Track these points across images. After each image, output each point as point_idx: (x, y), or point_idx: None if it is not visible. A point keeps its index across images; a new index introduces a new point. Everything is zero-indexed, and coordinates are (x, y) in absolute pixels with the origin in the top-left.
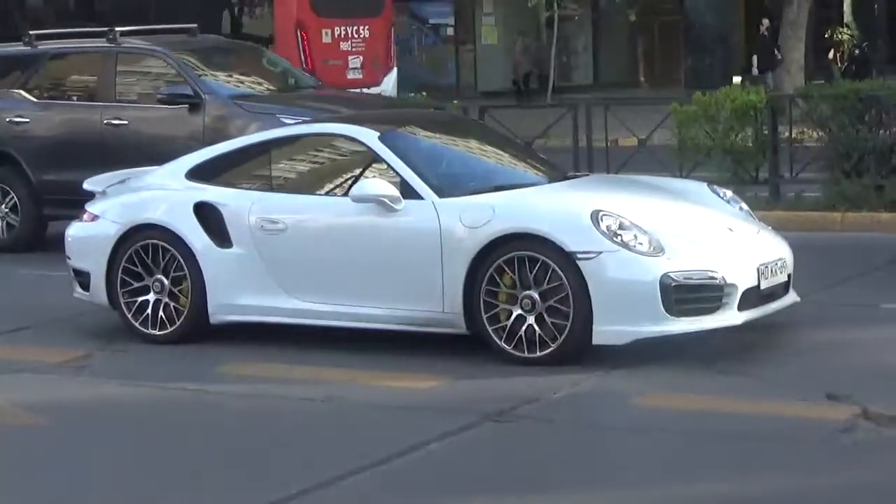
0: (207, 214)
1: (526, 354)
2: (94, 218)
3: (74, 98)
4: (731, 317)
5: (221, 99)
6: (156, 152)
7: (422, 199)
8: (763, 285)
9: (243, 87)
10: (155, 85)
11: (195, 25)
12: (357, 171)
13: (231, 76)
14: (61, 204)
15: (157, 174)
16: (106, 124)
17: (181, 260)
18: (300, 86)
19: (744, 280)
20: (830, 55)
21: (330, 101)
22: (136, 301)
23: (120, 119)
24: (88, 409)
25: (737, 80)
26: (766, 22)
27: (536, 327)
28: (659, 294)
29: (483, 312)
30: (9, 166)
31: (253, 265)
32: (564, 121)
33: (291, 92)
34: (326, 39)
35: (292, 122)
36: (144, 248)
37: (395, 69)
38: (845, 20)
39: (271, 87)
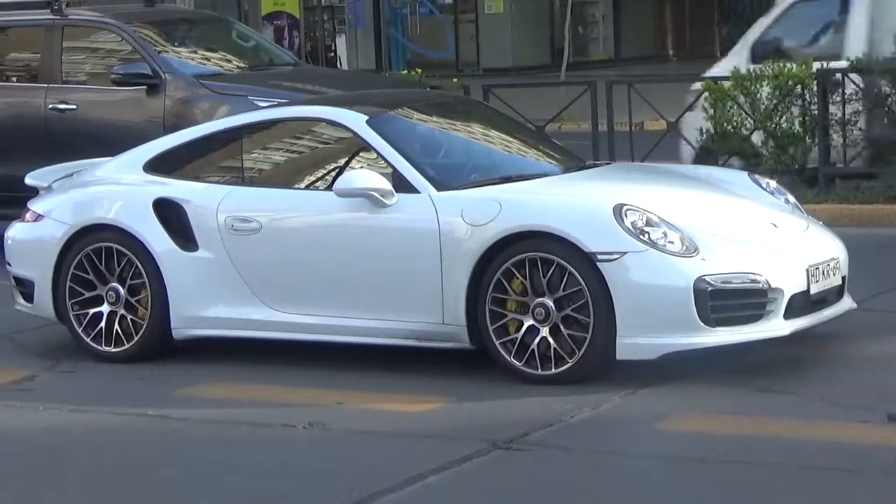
0: (169, 213)
1: (539, 372)
2: (38, 217)
3: (13, 79)
4: (776, 326)
5: (185, 79)
6: (109, 141)
7: (417, 192)
8: (813, 290)
9: (210, 64)
10: (107, 63)
11: None
12: (342, 161)
13: (195, 52)
14: (1, 202)
15: (111, 166)
16: (51, 109)
17: (139, 265)
18: (276, 63)
19: (791, 284)
20: None
21: (311, 80)
22: (87, 313)
23: (67, 103)
24: (33, 440)
25: None
26: None
27: (551, 340)
28: (693, 301)
29: (489, 323)
30: None
31: (222, 271)
32: (582, 101)
33: (266, 70)
34: None
35: (267, 104)
36: (97, 252)
37: None
38: None
39: (242, 65)
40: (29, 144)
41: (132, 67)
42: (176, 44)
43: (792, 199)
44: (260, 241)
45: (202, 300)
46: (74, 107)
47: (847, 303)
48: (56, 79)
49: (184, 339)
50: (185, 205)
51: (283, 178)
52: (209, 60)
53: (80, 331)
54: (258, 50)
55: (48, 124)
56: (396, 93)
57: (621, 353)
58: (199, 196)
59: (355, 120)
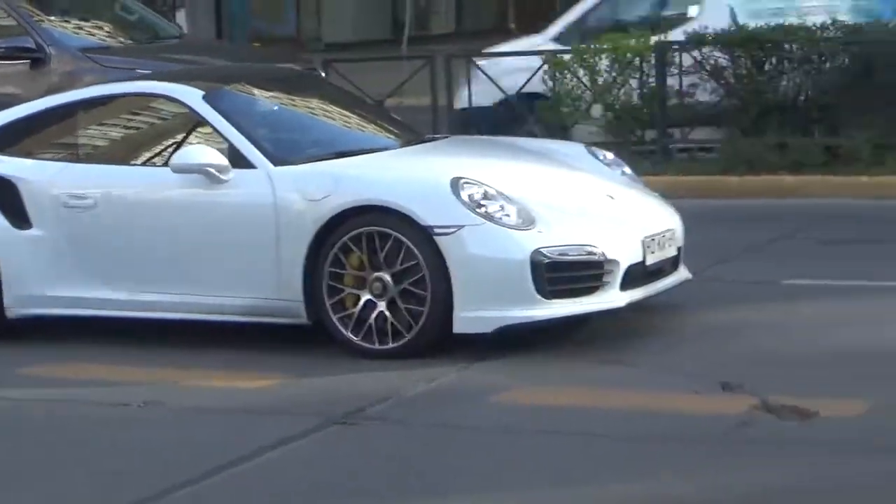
0: (2, 190)
1: (376, 346)
2: None
3: None
4: (612, 298)
5: (70, 52)
6: None
7: (254, 167)
8: (649, 261)
9: (95, 38)
10: None
11: None
12: (179, 137)
13: (80, 25)
14: None
15: None
16: None
17: None
18: (161, 36)
19: (627, 255)
20: None
21: (198, 52)
22: None
23: None
24: None
25: None
26: None
27: (388, 314)
28: (529, 273)
29: (327, 299)
30: None
31: (57, 249)
32: (422, 75)
33: (152, 43)
34: None
35: None
36: None
37: None
38: None
39: (128, 39)
40: None
41: (14, 41)
42: (60, 16)
43: (629, 170)
44: (95, 218)
45: (36, 279)
46: None
47: (683, 273)
48: None
49: (18, 318)
50: (18, 182)
51: (120, 154)
52: (94, 34)
53: None
54: (143, 23)
55: None
56: (234, 67)
57: (458, 327)
58: (31, 172)
59: (191, 95)
